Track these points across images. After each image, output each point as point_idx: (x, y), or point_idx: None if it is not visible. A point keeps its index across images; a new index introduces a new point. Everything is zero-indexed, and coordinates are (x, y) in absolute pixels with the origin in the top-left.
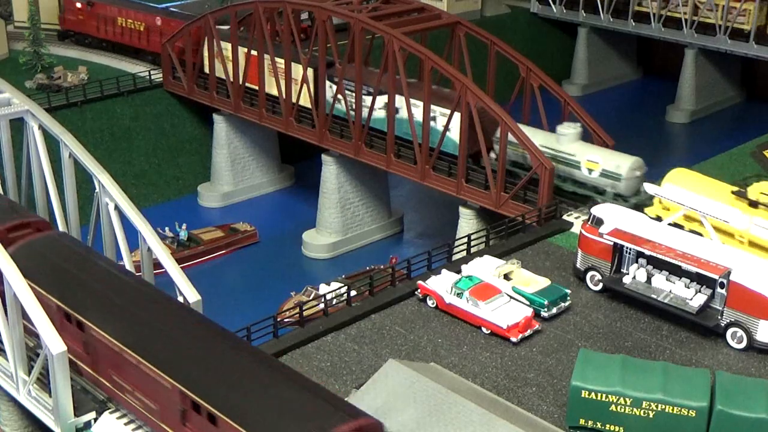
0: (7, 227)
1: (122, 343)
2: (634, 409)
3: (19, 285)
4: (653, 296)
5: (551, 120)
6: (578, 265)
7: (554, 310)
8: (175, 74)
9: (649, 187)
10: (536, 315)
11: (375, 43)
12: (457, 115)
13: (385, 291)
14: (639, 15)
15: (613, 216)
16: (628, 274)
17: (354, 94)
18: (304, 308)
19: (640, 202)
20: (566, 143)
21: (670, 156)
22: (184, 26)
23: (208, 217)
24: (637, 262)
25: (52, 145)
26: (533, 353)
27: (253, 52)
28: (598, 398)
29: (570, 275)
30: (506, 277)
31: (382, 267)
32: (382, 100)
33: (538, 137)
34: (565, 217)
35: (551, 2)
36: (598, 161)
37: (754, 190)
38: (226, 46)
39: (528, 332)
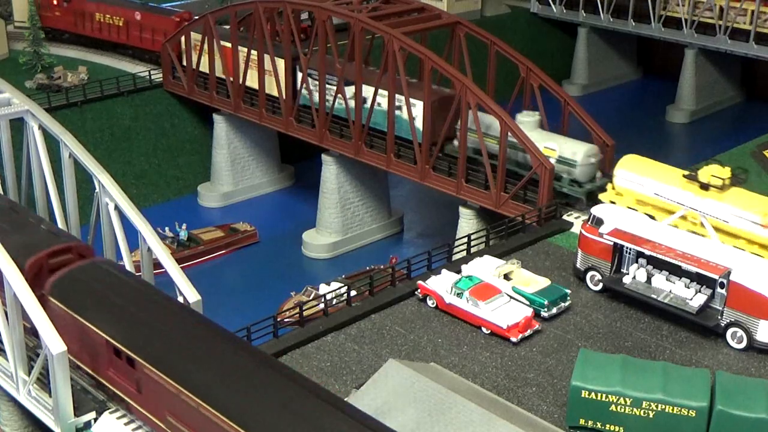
0: (48, 253)
1: (181, 385)
2: (634, 409)
3: (19, 285)
4: (653, 296)
5: (551, 120)
6: (578, 265)
7: (554, 310)
8: (175, 74)
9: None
10: (536, 315)
11: (375, 43)
12: (420, 104)
13: (385, 291)
14: (639, 16)
15: (613, 216)
16: (628, 274)
17: (326, 85)
18: (304, 308)
19: (594, 188)
20: (525, 131)
21: (670, 156)
22: (184, 26)
23: (208, 217)
24: (637, 262)
25: (52, 145)
26: (533, 353)
27: (226, 44)
28: (598, 398)
29: (570, 275)
30: (506, 277)
31: (382, 267)
32: (350, 90)
33: (494, 125)
34: (565, 217)
35: (551, 2)
36: (555, 148)
37: (705, 173)
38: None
39: (528, 332)
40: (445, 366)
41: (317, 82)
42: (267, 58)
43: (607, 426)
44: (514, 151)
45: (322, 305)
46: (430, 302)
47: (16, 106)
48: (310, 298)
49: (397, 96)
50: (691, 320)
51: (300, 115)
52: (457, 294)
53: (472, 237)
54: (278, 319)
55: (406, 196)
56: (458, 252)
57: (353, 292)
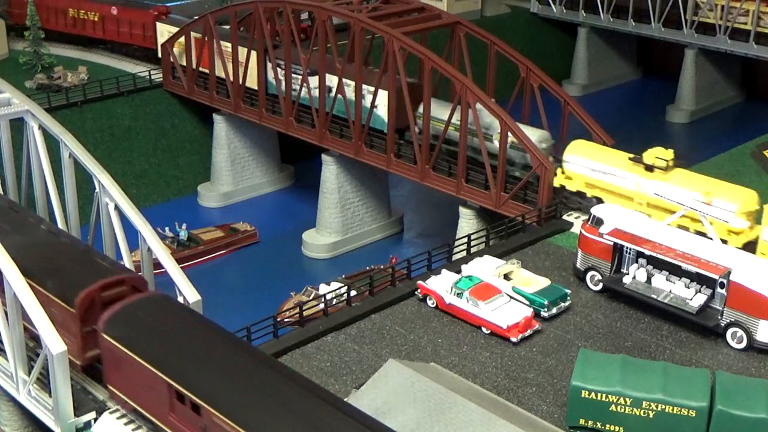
0: (101, 285)
1: None
2: (634, 409)
3: (19, 285)
4: (653, 296)
5: (551, 120)
6: (578, 265)
7: (554, 310)
8: (175, 74)
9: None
10: (536, 315)
11: (375, 43)
12: (384, 93)
13: (385, 291)
14: (638, 15)
15: (613, 216)
16: (628, 274)
17: (297, 76)
18: (304, 308)
19: None
20: (481, 118)
21: None
22: (183, 26)
23: (208, 217)
24: (637, 262)
25: (52, 145)
26: (533, 353)
27: (195, 34)
28: (598, 398)
29: (570, 275)
30: (506, 277)
31: (382, 267)
32: (315, 80)
33: (457, 113)
34: (565, 217)
35: (551, 2)
36: (511, 135)
37: (650, 156)
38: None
39: (528, 332)
40: (445, 366)
41: (298, 76)
42: (240, 50)
43: (607, 426)
44: (471, 137)
45: (322, 305)
46: (430, 302)
47: (16, 106)
48: (310, 298)
49: (363, 86)
50: (691, 320)
51: (300, 115)
52: (457, 294)
53: (472, 237)
54: (278, 319)
55: (406, 196)
56: (458, 252)
57: (353, 292)
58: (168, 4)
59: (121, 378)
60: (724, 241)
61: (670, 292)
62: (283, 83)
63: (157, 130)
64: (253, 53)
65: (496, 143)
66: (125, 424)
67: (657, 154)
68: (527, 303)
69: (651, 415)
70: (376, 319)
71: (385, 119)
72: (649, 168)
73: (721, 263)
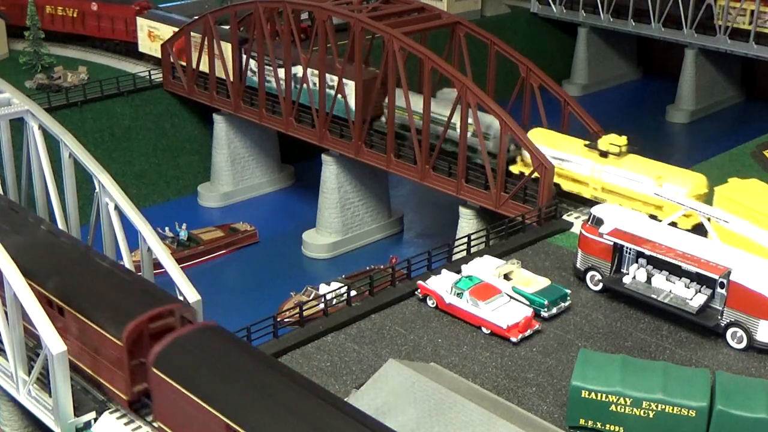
0: (150, 316)
1: None
2: (634, 409)
3: (18, 285)
4: (653, 296)
5: (551, 120)
6: (578, 265)
7: (554, 310)
8: (175, 74)
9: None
10: (536, 315)
11: (375, 43)
12: (351, 83)
13: (385, 291)
14: (638, 15)
15: (613, 216)
16: (628, 274)
17: (269, 68)
18: (304, 308)
19: (508, 159)
20: (444, 107)
21: (671, 156)
22: (183, 27)
23: (208, 217)
24: (637, 262)
25: (52, 145)
26: (533, 353)
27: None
28: (598, 398)
29: (570, 275)
30: (506, 277)
31: (382, 267)
32: (296, 71)
33: (418, 102)
34: (565, 217)
35: (551, 2)
36: (471, 122)
37: (604, 142)
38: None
39: (528, 332)
40: (445, 366)
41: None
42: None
43: (607, 426)
44: (435, 126)
45: (322, 305)
46: (430, 302)
47: (16, 106)
48: (310, 298)
49: (329, 76)
50: (691, 320)
51: (300, 115)
52: (457, 294)
53: (472, 237)
54: (278, 319)
55: (406, 196)
56: (458, 252)
57: (353, 292)
58: (168, 4)
59: (173, 415)
60: (674, 224)
61: (670, 292)
62: (257, 75)
63: (157, 130)
64: (228, 45)
65: (459, 131)
66: (125, 424)
67: (611, 141)
68: (527, 303)
69: (651, 415)
70: (376, 319)
71: (353, 107)
72: (604, 154)
73: (721, 263)
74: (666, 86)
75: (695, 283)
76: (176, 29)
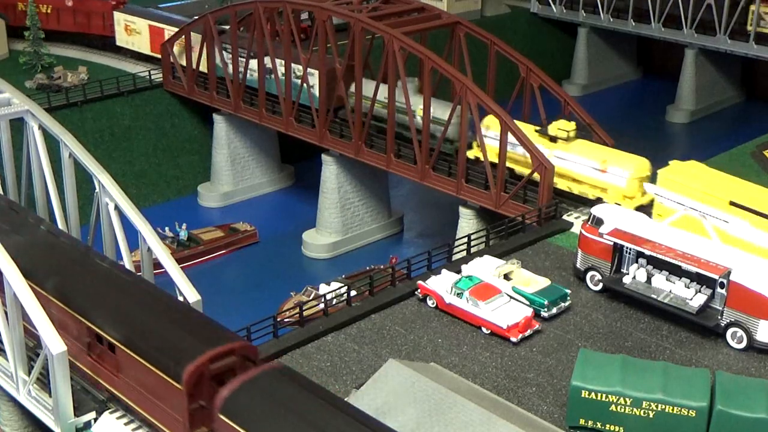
0: (210, 356)
1: None
2: (634, 409)
3: (19, 285)
4: (653, 296)
5: (551, 119)
6: (578, 265)
7: (554, 310)
8: (175, 74)
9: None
10: (536, 315)
11: (375, 43)
12: (316, 73)
13: (385, 291)
14: (638, 14)
15: (613, 216)
16: (628, 274)
17: (243, 60)
18: (304, 308)
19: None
20: (401, 95)
21: (671, 156)
22: (183, 27)
23: (208, 217)
24: (637, 262)
25: (52, 145)
26: (533, 353)
27: (155, 23)
28: (598, 398)
29: (570, 275)
30: (506, 277)
31: (382, 267)
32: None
33: (381, 92)
34: (565, 217)
35: (551, 2)
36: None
37: (553, 128)
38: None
39: (528, 332)
40: (445, 366)
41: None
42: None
43: (607, 426)
44: (401, 115)
45: (322, 305)
46: (430, 302)
47: (16, 106)
48: (310, 298)
49: (295, 66)
50: (691, 320)
51: (300, 114)
52: (457, 294)
53: (472, 237)
54: (278, 319)
55: (406, 196)
56: (458, 252)
57: (353, 292)
58: (168, 4)
59: None
60: (618, 204)
61: (670, 292)
62: (230, 66)
63: (157, 130)
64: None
65: (419, 119)
66: (125, 424)
67: (559, 126)
68: (527, 303)
69: (651, 415)
70: (376, 319)
71: (317, 96)
72: (553, 139)
73: (721, 263)
74: (666, 86)
75: (695, 283)
76: (153, 24)
